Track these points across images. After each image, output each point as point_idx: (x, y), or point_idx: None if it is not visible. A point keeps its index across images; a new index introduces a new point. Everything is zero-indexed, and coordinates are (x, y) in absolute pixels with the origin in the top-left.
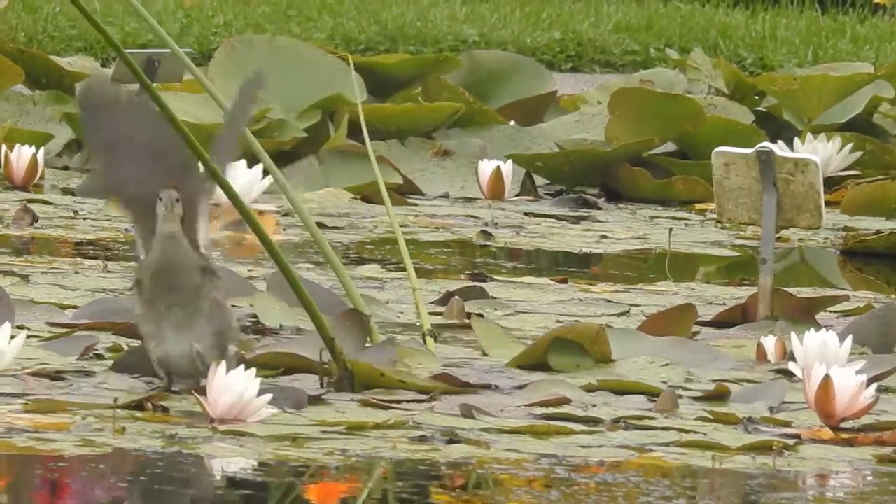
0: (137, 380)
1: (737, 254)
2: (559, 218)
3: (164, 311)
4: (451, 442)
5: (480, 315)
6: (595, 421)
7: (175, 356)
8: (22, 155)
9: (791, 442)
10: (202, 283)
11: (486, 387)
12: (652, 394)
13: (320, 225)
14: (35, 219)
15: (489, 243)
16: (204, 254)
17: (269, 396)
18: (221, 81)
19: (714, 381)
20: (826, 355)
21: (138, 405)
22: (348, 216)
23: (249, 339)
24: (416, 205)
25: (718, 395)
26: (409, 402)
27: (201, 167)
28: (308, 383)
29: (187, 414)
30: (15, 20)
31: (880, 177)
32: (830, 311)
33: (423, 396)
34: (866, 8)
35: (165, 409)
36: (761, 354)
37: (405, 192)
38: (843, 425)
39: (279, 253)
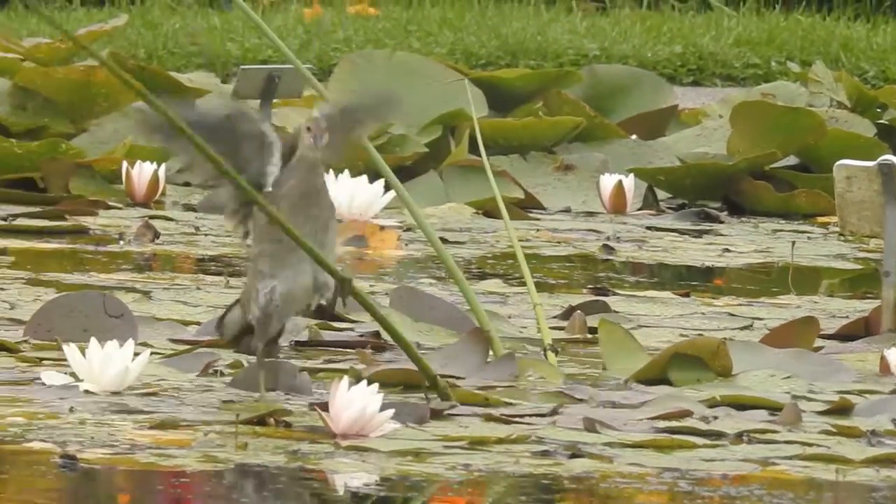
0: (259, 396)
1: (860, 267)
2: (681, 232)
3: (291, 243)
4: (573, 456)
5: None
6: (718, 434)
7: (297, 289)
8: (143, 172)
9: None
10: (332, 215)
11: (609, 403)
12: (774, 408)
13: (442, 240)
14: (157, 235)
15: (611, 257)
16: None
17: (391, 411)
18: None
19: (837, 393)
20: None
21: (260, 421)
22: (470, 231)
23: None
24: (537, 219)
25: (841, 408)
26: (531, 416)
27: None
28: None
29: (310, 429)
30: (135, 37)
31: None
32: None
33: (546, 410)
34: None
35: (288, 425)
36: (884, 367)
37: (527, 206)
38: None
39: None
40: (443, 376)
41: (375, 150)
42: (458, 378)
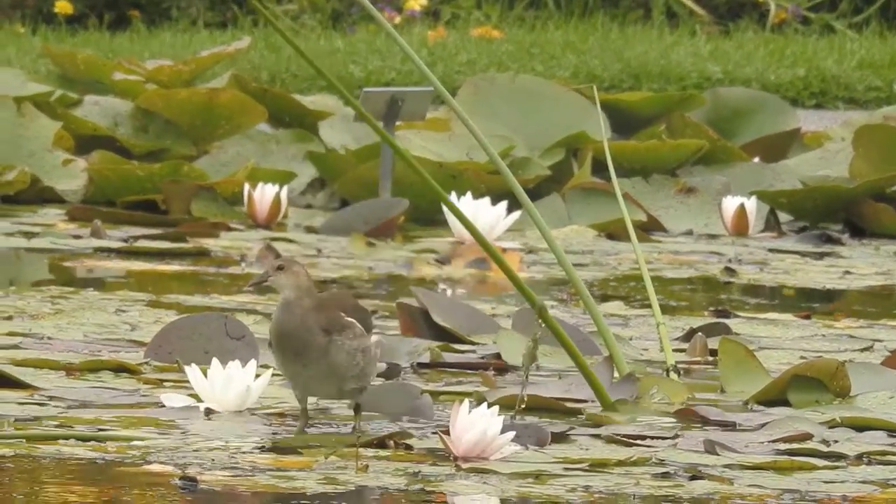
0: (379, 418)
1: None
2: (803, 254)
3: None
4: (694, 478)
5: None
6: (837, 456)
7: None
8: (265, 194)
9: None
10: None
11: (728, 424)
12: (893, 429)
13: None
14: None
15: (733, 280)
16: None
17: (511, 434)
18: None
19: None
20: None
21: (380, 443)
22: (592, 253)
23: None
24: (659, 241)
25: None
26: (652, 438)
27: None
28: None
29: (430, 452)
30: (258, 59)
31: None
32: None
33: (668, 434)
34: None
35: (408, 447)
36: None
37: (649, 228)
38: None
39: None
40: (567, 399)
41: (504, 169)
42: (581, 401)
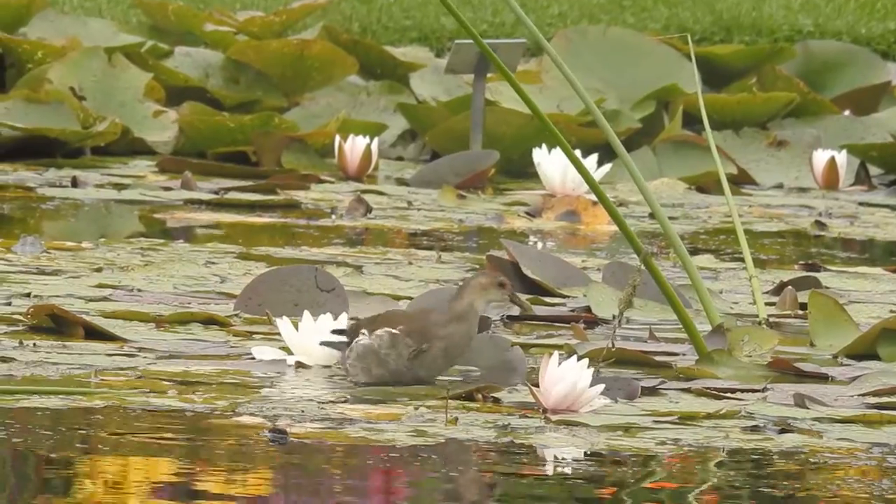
0: (468, 372)
1: None
2: (893, 208)
3: None
4: (783, 431)
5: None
6: None
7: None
8: (356, 146)
9: None
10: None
11: (821, 376)
12: None
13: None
14: (369, 209)
15: (823, 233)
16: None
17: (601, 387)
18: (556, 73)
19: None
20: None
21: (469, 396)
22: (682, 206)
23: None
24: (750, 195)
25: None
26: (742, 391)
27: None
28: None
29: (519, 404)
30: (349, 11)
31: None
32: None
33: (757, 386)
34: None
35: (497, 400)
36: None
37: (739, 182)
38: None
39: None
40: (656, 353)
41: (587, 126)
42: (673, 355)
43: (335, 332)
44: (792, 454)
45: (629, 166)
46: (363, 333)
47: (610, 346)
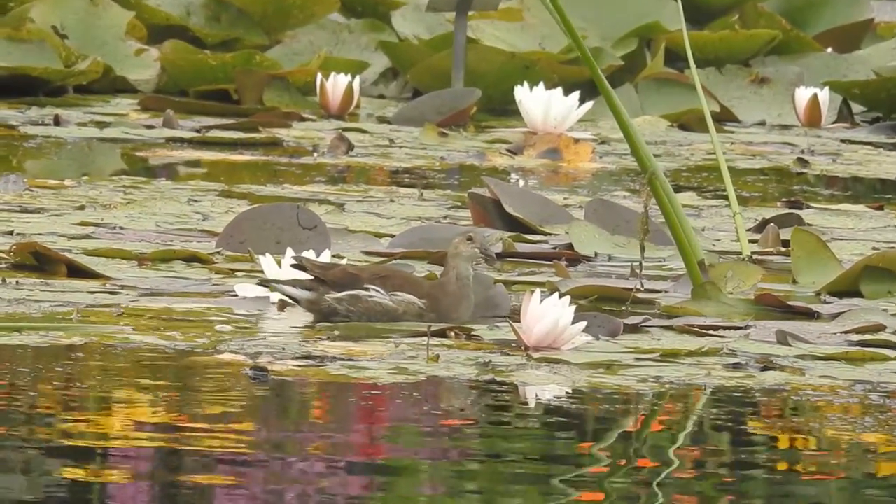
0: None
1: None
2: (875, 145)
3: None
4: (765, 369)
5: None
6: None
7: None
8: (337, 84)
9: None
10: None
11: (807, 312)
12: None
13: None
14: (350, 147)
15: (806, 170)
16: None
17: (583, 324)
18: (537, 10)
19: None
20: None
21: (442, 333)
22: (665, 144)
23: None
24: (732, 132)
25: None
26: (725, 328)
27: None
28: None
29: (501, 342)
30: None
31: None
32: None
33: (740, 324)
34: None
35: (479, 338)
36: None
37: (722, 119)
38: None
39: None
40: (635, 290)
41: (568, 63)
42: (657, 292)
43: (295, 266)
44: (774, 392)
45: (611, 99)
46: (375, 289)
47: (639, 286)
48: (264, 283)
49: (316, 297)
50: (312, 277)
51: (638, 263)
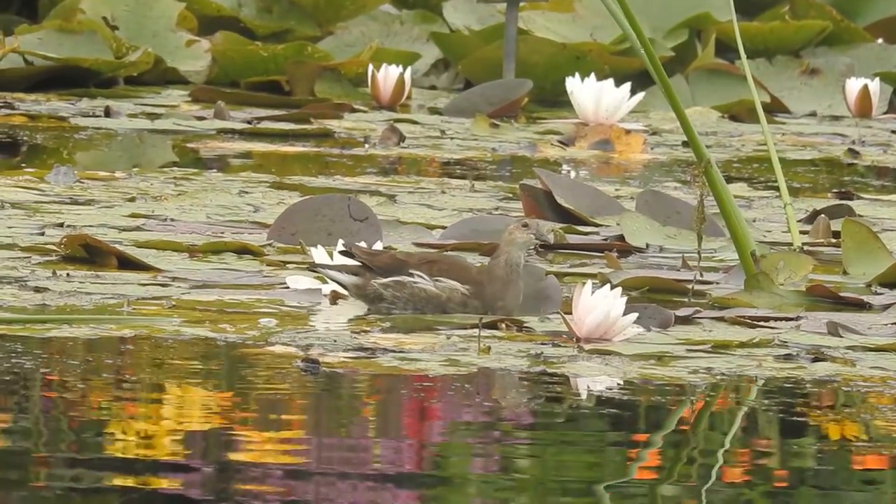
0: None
1: None
2: None
3: None
4: (816, 360)
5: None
6: None
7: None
8: (389, 75)
9: None
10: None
11: (859, 303)
12: None
13: (686, 144)
14: (402, 138)
15: (856, 161)
16: None
17: (634, 315)
18: (588, 1)
19: None
20: None
21: (493, 325)
22: (716, 135)
23: None
24: (783, 123)
25: None
26: (776, 319)
27: None
28: (674, 303)
29: (552, 334)
30: None
31: None
32: None
33: (791, 315)
34: None
35: (530, 329)
36: None
37: (772, 110)
38: None
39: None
40: (688, 281)
41: (618, 55)
42: (708, 283)
43: (343, 253)
44: (825, 383)
45: (667, 88)
46: (420, 275)
47: (698, 275)
48: (312, 267)
49: (362, 283)
50: (360, 264)
51: (694, 254)
